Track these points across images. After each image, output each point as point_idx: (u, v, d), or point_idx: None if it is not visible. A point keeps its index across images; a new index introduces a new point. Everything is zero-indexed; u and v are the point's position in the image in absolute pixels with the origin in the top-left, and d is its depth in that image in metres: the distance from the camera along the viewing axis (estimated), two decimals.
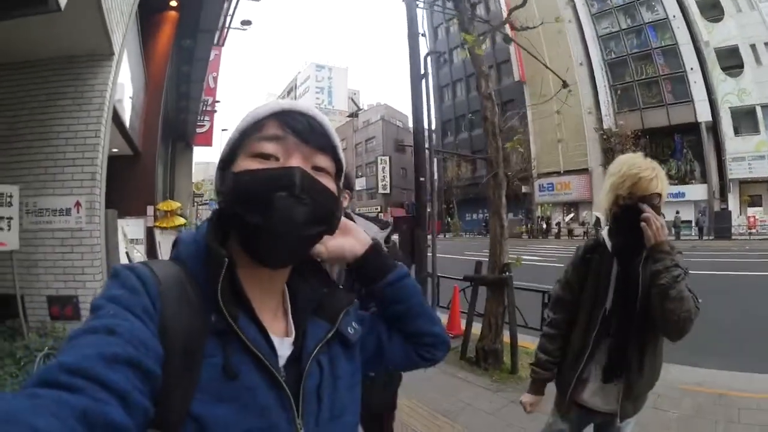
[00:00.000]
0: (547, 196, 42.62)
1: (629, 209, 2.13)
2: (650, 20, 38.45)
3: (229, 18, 16.70)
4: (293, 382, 0.89)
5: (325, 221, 0.92)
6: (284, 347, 0.92)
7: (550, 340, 2.42)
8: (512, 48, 42.70)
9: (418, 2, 8.92)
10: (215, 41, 16.14)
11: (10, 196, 4.80)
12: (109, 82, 5.84)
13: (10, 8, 4.18)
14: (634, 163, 2.20)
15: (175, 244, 0.93)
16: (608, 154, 37.04)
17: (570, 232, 37.47)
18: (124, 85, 8.18)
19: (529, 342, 6.42)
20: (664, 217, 2.16)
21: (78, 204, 5.67)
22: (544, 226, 40.39)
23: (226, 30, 17.58)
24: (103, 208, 5.94)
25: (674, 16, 36.74)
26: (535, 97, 40.88)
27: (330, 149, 0.95)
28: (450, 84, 54.83)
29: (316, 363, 0.95)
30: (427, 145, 8.78)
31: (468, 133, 48.18)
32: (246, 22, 18.88)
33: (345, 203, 2.27)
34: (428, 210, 9.54)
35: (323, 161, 0.93)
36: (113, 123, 6.66)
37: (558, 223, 39.47)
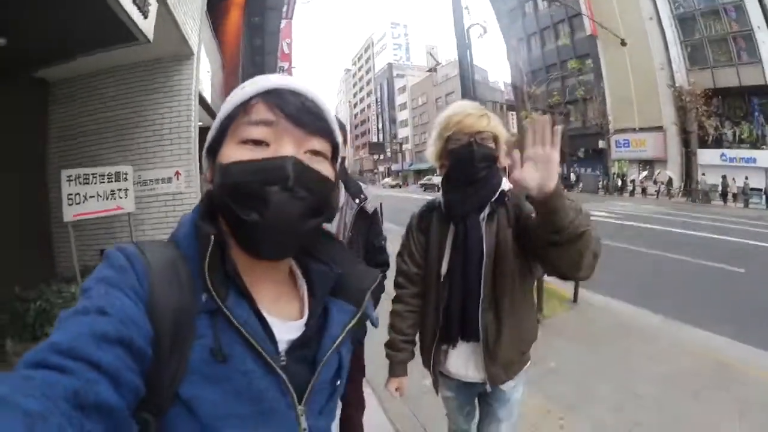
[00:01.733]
0: (623, 152, 41.13)
1: (460, 152, 1.93)
2: None
3: None
4: (302, 368, 0.87)
5: (323, 212, 0.87)
6: (289, 330, 0.89)
7: (399, 318, 2.22)
8: (583, 2, 40.77)
9: None
10: (284, 15, 17.36)
11: (126, 174, 6.13)
12: (192, 77, 7.31)
13: (109, 44, 5.60)
14: (459, 104, 2.07)
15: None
16: (681, 113, 35.63)
17: (644, 191, 36.36)
18: (208, 71, 9.67)
19: (557, 285, 7.20)
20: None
21: (178, 173, 7.22)
22: (619, 183, 39.28)
23: (293, 4, 18.73)
24: (197, 175, 7.51)
25: None
26: (608, 54, 39.99)
27: (326, 132, 0.88)
28: (524, 38, 52.48)
29: (337, 352, 0.93)
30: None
31: (546, 87, 46.72)
32: None
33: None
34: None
35: (319, 144, 0.86)
36: (199, 104, 8.17)
37: (633, 181, 38.30)
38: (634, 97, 38.96)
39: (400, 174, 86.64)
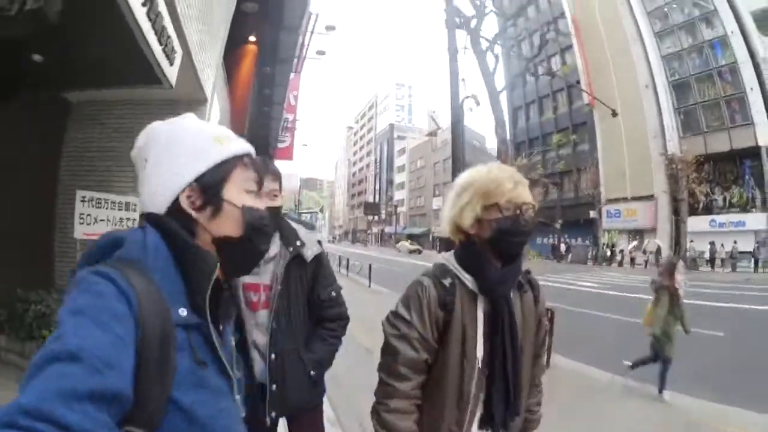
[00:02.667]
0: (614, 222, 41.72)
1: (508, 224, 1.72)
2: (710, 38, 37.02)
3: (305, 49, 18.58)
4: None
5: None
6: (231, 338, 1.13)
7: (403, 416, 1.75)
8: (582, 70, 42.40)
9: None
10: (293, 69, 18.01)
11: (135, 205, 6.45)
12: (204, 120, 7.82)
13: (135, 82, 6.04)
14: (502, 168, 1.85)
15: (114, 244, 0.96)
16: (672, 181, 36.31)
17: (632, 260, 36.50)
18: (217, 116, 10.15)
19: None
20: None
21: None
22: (608, 253, 39.54)
23: (303, 59, 19.51)
24: None
25: (732, 32, 35.22)
26: (604, 123, 40.47)
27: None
28: (523, 106, 54.54)
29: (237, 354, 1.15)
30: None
31: (542, 155, 47.36)
32: (320, 52, 20.69)
33: (278, 202, 2.25)
34: None
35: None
36: None
37: (621, 251, 38.64)
38: (627, 166, 39.70)
39: (393, 237, 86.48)
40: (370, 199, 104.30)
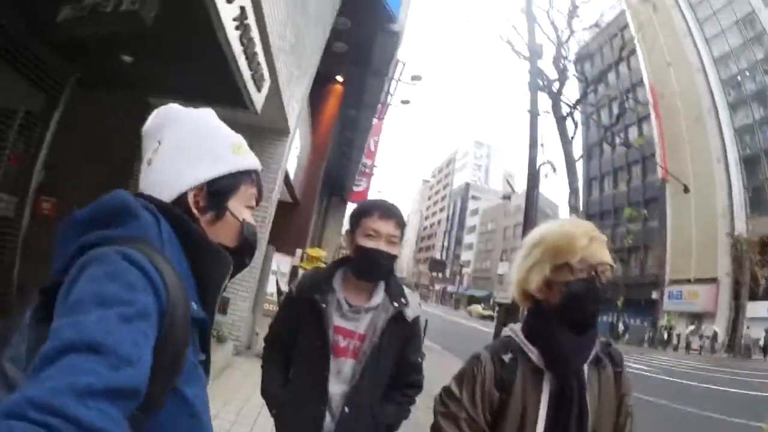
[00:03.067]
0: (675, 305, 39.78)
1: (582, 288, 1.49)
2: None
3: (390, 96, 18.95)
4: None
5: None
6: None
7: None
8: (657, 142, 41.30)
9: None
10: (377, 115, 18.34)
11: None
12: (285, 153, 8.04)
13: (221, 103, 6.09)
14: (575, 222, 1.65)
15: (125, 211, 0.91)
16: (736, 263, 34.66)
17: (688, 345, 34.65)
18: (296, 147, 10.45)
19: None
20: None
21: None
22: (665, 336, 37.68)
23: (387, 106, 19.90)
24: (265, 243, 7.95)
25: None
26: (675, 198, 39.14)
27: None
28: (598, 177, 53.60)
29: None
30: None
31: (611, 230, 46.32)
32: (405, 102, 21.09)
33: (396, 250, 2.18)
34: None
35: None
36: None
37: (678, 335, 36.75)
38: (694, 246, 38.25)
39: (453, 296, 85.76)
40: (437, 256, 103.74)
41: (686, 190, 22.40)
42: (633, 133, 45.96)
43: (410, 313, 2.15)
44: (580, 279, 1.48)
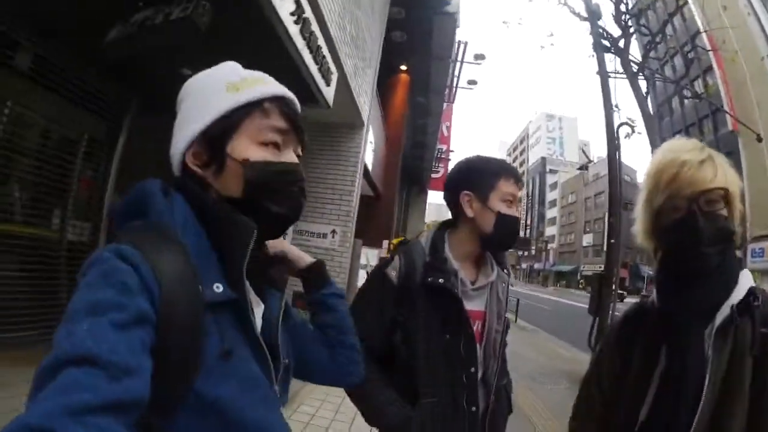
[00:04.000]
0: (758, 263, 36.44)
1: (677, 229, 1.23)
2: None
3: (456, 79, 18.62)
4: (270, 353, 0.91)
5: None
6: (258, 316, 0.94)
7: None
8: (723, 92, 38.84)
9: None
10: (446, 99, 18.08)
11: None
12: (361, 146, 8.03)
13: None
14: (671, 147, 1.33)
15: (143, 200, 0.87)
16: None
17: None
18: (371, 142, 10.41)
19: None
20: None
21: (334, 231, 7.77)
22: None
23: (455, 89, 19.57)
24: (353, 237, 7.94)
25: None
26: (748, 149, 36.57)
27: (304, 141, 1.02)
28: (670, 137, 50.88)
29: (281, 333, 1.00)
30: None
31: None
32: (472, 82, 20.54)
33: (514, 210, 1.84)
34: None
35: (300, 149, 1.02)
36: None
37: None
38: None
39: (541, 273, 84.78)
40: (521, 234, 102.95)
41: (759, 139, 20.66)
42: (699, 87, 43.65)
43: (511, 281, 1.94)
44: (674, 220, 1.24)
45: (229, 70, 1.00)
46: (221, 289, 0.82)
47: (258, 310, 0.94)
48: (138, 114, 5.37)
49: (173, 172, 0.96)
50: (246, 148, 0.92)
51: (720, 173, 1.23)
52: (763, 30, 37.88)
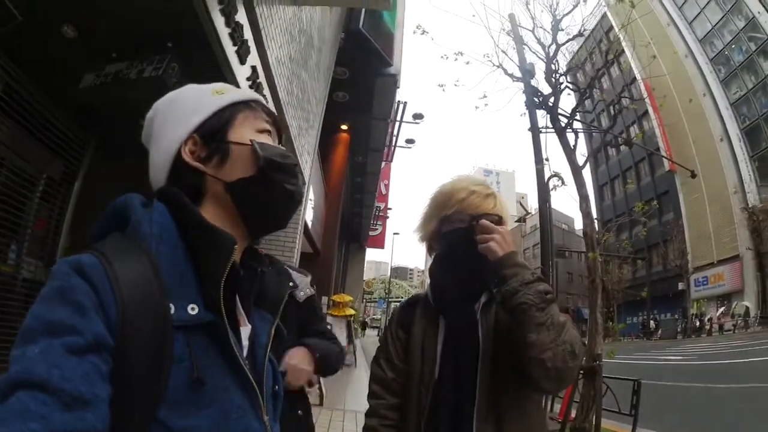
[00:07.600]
0: (702, 291, 39.36)
1: (459, 234, 1.60)
2: None
3: (395, 138, 19.07)
4: (255, 379, 0.85)
5: None
6: (245, 339, 0.90)
7: None
8: (660, 138, 41.33)
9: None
10: (384, 158, 18.46)
11: None
12: (301, 207, 8.15)
13: None
14: (461, 178, 1.75)
15: (118, 214, 0.83)
16: (755, 235, 34.37)
17: (721, 327, 34.04)
18: (311, 200, 10.65)
19: (616, 426, 7.04)
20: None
21: None
22: (697, 323, 37.15)
23: (393, 148, 20.07)
24: None
25: None
26: (686, 186, 39.19)
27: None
28: (608, 182, 53.49)
29: (269, 360, 0.94)
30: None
31: (628, 231, 46.39)
32: (410, 141, 20.97)
33: None
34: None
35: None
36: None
37: (709, 319, 36.17)
38: (711, 228, 38.26)
39: None
40: None
41: (693, 175, 22.11)
42: (634, 132, 46.34)
43: (300, 295, 2.25)
44: (456, 228, 1.61)
45: (199, 86, 1.04)
46: (196, 310, 0.76)
47: (244, 330, 0.90)
48: (94, 157, 5.37)
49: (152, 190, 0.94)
50: (247, 133, 0.95)
51: (498, 205, 1.64)
52: (700, 69, 40.46)
